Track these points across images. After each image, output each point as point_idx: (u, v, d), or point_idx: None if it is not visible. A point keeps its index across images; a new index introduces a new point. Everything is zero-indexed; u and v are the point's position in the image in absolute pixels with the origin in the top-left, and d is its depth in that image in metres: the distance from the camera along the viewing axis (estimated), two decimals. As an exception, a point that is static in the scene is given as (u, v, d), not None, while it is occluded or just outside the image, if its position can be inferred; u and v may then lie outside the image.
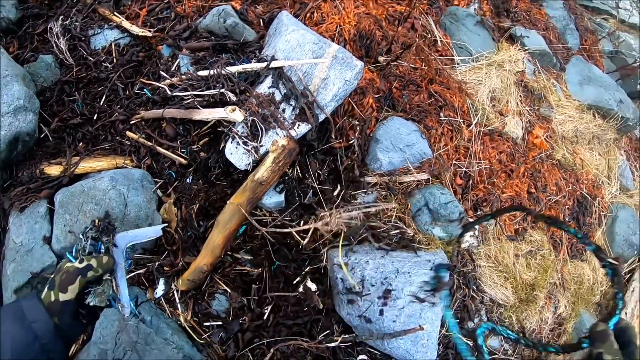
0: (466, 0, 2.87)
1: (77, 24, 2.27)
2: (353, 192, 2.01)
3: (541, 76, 3.09)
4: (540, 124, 2.93)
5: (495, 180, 2.46)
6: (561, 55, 3.38)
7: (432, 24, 2.51)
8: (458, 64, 2.55)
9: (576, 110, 3.28)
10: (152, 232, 1.59)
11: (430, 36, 2.47)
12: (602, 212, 3.28)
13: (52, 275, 1.20)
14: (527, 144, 2.80)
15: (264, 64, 1.84)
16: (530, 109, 2.86)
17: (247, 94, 1.85)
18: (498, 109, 2.62)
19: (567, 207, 3.02)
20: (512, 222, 2.59)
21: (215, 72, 1.90)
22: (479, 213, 2.38)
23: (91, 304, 1.23)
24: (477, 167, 2.36)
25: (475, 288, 2.40)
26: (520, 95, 2.81)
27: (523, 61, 2.94)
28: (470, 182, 2.34)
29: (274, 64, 1.83)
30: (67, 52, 2.22)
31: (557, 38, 3.44)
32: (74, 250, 1.36)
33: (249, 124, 1.79)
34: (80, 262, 1.24)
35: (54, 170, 1.98)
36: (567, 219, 3.03)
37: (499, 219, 2.49)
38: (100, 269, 1.26)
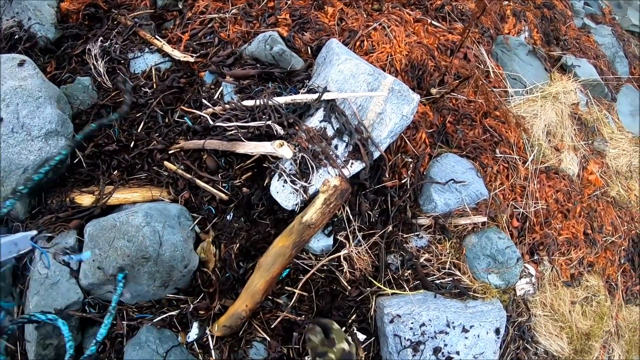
0: (517, 29, 2.72)
1: (116, 46, 2.20)
2: (405, 235, 1.85)
3: (593, 107, 2.90)
4: (595, 158, 2.73)
5: (552, 221, 2.27)
6: (612, 84, 3.19)
7: (485, 53, 2.36)
8: (512, 96, 2.39)
9: (629, 143, 3.08)
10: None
11: (482, 67, 2.33)
12: (658, 252, 3.05)
13: None
14: (582, 180, 2.61)
15: (315, 96, 1.71)
16: (584, 143, 2.67)
17: (296, 127, 1.73)
18: (553, 144, 2.44)
19: (622, 248, 2.81)
20: (568, 266, 2.38)
21: (262, 103, 1.78)
22: (535, 258, 2.19)
23: None
24: (534, 207, 2.18)
25: (529, 339, 2.20)
26: (575, 129, 2.63)
27: (576, 92, 2.76)
28: (527, 224, 2.15)
29: (326, 96, 1.70)
30: (106, 75, 2.14)
31: (607, 66, 3.26)
32: None
33: (298, 161, 1.66)
34: None
35: (85, 199, 1.87)
36: (622, 261, 2.82)
37: (555, 262, 2.30)
38: None
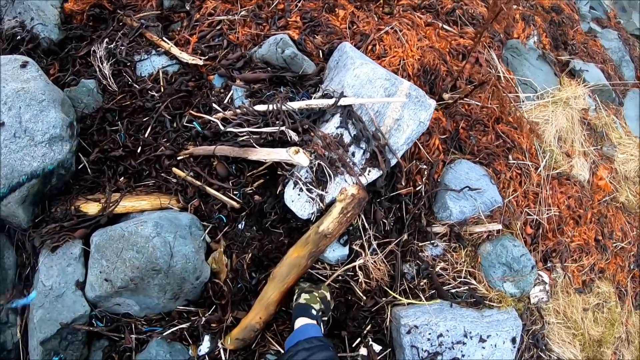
0: (526, 33, 2.70)
1: (122, 48, 2.14)
2: (420, 244, 1.81)
3: (602, 112, 2.89)
4: (604, 164, 2.72)
5: (564, 227, 2.25)
6: (618, 89, 3.18)
7: (495, 58, 2.33)
8: (523, 101, 2.36)
9: (637, 148, 3.07)
10: None
11: (494, 71, 2.30)
12: (667, 259, 3.05)
13: None
14: (592, 186, 2.59)
15: (331, 101, 1.67)
16: (594, 149, 2.66)
17: (312, 133, 1.68)
18: (564, 149, 2.42)
19: (631, 253, 2.80)
20: (580, 272, 2.36)
21: (275, 107, 1.73)
22: (548, 265, 2.16)
23: None
24: (547, 214, 2.15)
25: (543, 347, 2.17)
26: (584, 134, 2.61)
27: (585, 97, 2.75)
28: (540, 231, 2.12)
29: (343, 102, 1.66)
30: (111, 78, 2.08)
31: (614, 71, 3.25)
32: None
33: (314, 169, 1.61)
34: None
35: (91, 207, 1.80)
36: (631, 267, 2.81)
37: (568, 269, 2.28)
38: None
